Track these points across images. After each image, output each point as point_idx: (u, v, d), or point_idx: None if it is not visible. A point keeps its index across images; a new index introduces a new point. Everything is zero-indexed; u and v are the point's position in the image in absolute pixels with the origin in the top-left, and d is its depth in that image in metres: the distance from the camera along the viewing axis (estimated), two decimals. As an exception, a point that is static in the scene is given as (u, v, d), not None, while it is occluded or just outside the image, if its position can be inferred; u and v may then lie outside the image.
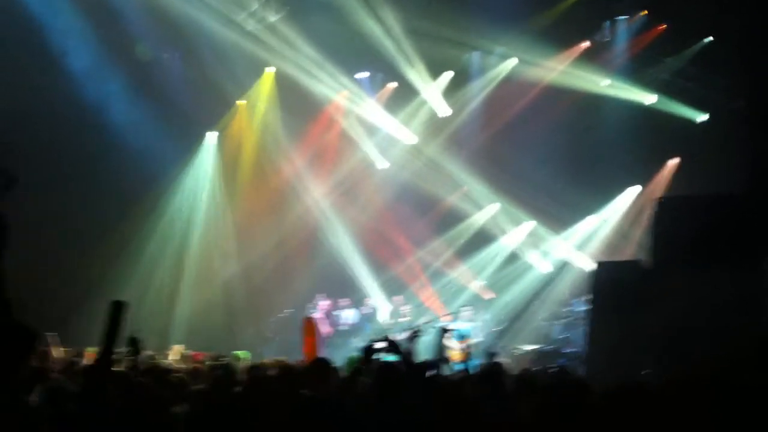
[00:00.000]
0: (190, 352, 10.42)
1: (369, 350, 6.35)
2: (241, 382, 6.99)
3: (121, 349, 7.96)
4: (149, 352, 8.66)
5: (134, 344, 6.44)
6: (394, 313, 16.79)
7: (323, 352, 13.89)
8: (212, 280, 17.61)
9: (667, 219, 11.20)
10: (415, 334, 7.01)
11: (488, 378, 6.77)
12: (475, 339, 14.68)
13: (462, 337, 14.44)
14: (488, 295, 17.44)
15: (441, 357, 7.38)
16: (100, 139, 15.82)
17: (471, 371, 7.62)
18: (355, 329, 16.24)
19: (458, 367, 9.07)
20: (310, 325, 8.88)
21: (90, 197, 15.55)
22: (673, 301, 9.90)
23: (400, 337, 7.75)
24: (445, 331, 7.86)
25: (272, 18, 16.25)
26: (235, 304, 17.24)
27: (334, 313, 16.34)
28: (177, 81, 16.86)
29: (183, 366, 8.39)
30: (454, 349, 14.40)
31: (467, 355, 7.86)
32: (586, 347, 11.54)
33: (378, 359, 7.15)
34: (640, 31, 16.73)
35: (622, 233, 17.00)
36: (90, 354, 9.19)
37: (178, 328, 15.62)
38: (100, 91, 15.84)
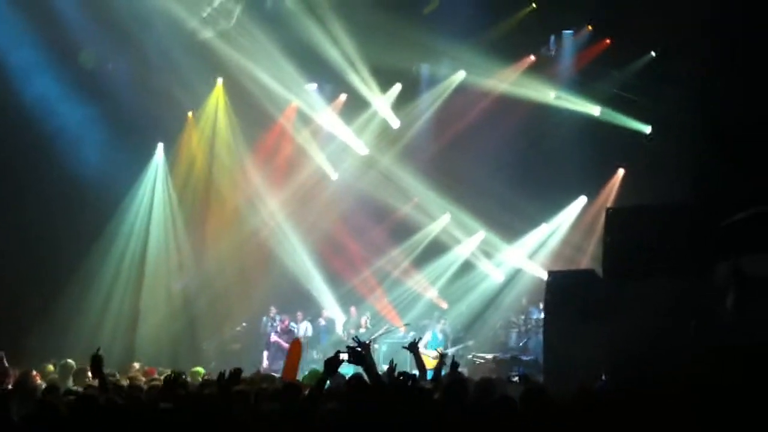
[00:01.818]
0: (145, 368, 10.20)
1: (334, 361, 6.27)
2: (203, 397, 6.86)
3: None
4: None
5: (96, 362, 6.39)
6: (351, 325, 16.75)
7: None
8: (170, 296, 17.33)
9: (617, 229, 11.37)
10: (366, 346, 7.02)
11: (453, 388, 6.80)
12: (449, 349, 14.86)
13: (436, 347, 14.59)
14: (442, 305, 17.56)
15: (419, 369, 7.41)
16: (44, 150, 15.37)
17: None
18: (311, 342, 16.14)
19: (430, 376, 9.10)
20: (297, 347, 8.72)
21: (36, 211, 15.07)
22: (626, 310, 10.07)
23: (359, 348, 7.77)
24: (415, 344, 7.90)
25: (222, 27, 16.10)
26: (194, 319, 16.97)
27: (291, 325, 16.21)
28: (124, 90, 16.46)
29: (142, 383, 8.19)
30: (429, 357, 14.54)
31: (440, 365, 7.89)
32: (543, 355, 11.65)
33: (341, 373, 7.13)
34: (586, 46, 17.05)
35: (572, 243, 17.27)
36: (39, 374, 8.97)
37: (140, 345, 15.33)
38: (43, 99, 15.31)
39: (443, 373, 7.91)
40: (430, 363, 14.43)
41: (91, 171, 15.63)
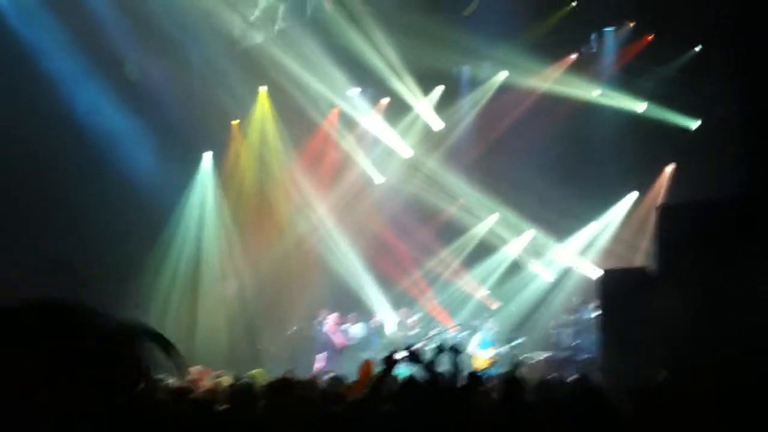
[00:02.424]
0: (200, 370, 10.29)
1: (390, 361, 6.27)
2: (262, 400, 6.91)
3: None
4: None
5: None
6: (402, 326, 16.74)
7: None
8: (226, 302, 17.53)
9: (670, 226, 11.21)
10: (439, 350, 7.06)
11: (509, 389, 6.76)
12: (499, 349, 14.80)
13: (487, 347, 14.54)
14: (493, 305, 17.45)
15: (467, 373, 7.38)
16: (95, 163, 15.58)
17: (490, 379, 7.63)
18: (363, 343, 16.17)
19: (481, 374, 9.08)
20: (367, 368, 8.72)
21: (92, 220, 15.26)
22: (681, 307, 9.92)
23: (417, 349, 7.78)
24: (456, 351, 7.88)
25: (264, 34, 16.26)
26: (250, 324, 17.08)
27: (342, 327, 16.26)
28: (168, 99, 16.65)
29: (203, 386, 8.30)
30: (480, 357, 14.50)
31: (491, 364, 7.87)
32: (600, 355, 11.52)
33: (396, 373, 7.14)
34: (628, 42, 16.91)
35: (623, 240, 17.05)
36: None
37: (199, 350, 15.51)
38: (89, 109, 15.50)
39: (497, 372, 7.88)
40: (480, 363, 14.44)
41: (141, 181, 15.84)
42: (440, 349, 7.10)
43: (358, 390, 8.22)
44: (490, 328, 15.21)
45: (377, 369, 6.91)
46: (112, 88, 15.72)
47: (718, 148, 14.59)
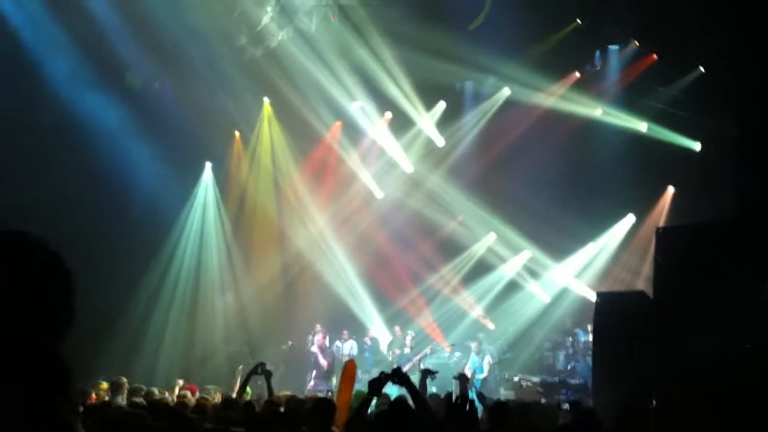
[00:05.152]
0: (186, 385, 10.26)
1: (379, 381, 6.26)
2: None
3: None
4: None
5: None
6: (395, 344, 16.62)
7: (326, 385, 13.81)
8: (225, 317, 17.52)
9: (668, 249, 11.11)
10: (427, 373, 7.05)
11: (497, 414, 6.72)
12: (483, 372, 14.66)
13: (471, 370, 14.41)
14: (488, 325, 17.30)
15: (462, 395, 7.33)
16: (96, 173, 15.52)
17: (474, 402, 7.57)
18: (356, 360, 16.07)
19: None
20: (351, 368, 8.64)
21: (87, 235, 15.12)
22: (678, 332, 9.84)
23: (405, 369, 7.73)
24: (430, 373, 7.95)
25: (269, 45, 16.19)
26: (249, 340, 16.95)
27: (336, 344, 16.18)
28: (171, 110, 16.63)
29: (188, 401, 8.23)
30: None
31: (472, 386, 7.81)
32: (592, 379, 11.41)
33: (386, 393, 7.09)
34: (632, 61, 16.79)
35: (621, 263, 16.89)
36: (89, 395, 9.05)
37: (196, 365, 15.49)
38: (91, 123, 15.35)
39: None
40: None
41: (142, 189, 15.86)
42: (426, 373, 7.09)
43: (344, 393, 8.16)
44: (474, 349, 15.19)
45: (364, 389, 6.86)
46: (114, 95, 15.66)
47: (717, 171, 14.54)
